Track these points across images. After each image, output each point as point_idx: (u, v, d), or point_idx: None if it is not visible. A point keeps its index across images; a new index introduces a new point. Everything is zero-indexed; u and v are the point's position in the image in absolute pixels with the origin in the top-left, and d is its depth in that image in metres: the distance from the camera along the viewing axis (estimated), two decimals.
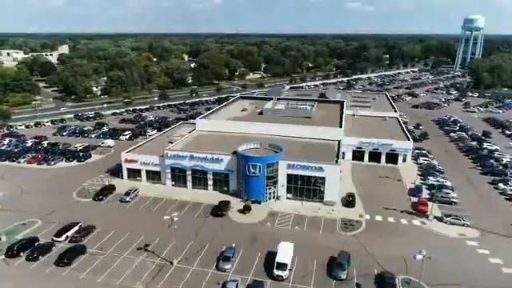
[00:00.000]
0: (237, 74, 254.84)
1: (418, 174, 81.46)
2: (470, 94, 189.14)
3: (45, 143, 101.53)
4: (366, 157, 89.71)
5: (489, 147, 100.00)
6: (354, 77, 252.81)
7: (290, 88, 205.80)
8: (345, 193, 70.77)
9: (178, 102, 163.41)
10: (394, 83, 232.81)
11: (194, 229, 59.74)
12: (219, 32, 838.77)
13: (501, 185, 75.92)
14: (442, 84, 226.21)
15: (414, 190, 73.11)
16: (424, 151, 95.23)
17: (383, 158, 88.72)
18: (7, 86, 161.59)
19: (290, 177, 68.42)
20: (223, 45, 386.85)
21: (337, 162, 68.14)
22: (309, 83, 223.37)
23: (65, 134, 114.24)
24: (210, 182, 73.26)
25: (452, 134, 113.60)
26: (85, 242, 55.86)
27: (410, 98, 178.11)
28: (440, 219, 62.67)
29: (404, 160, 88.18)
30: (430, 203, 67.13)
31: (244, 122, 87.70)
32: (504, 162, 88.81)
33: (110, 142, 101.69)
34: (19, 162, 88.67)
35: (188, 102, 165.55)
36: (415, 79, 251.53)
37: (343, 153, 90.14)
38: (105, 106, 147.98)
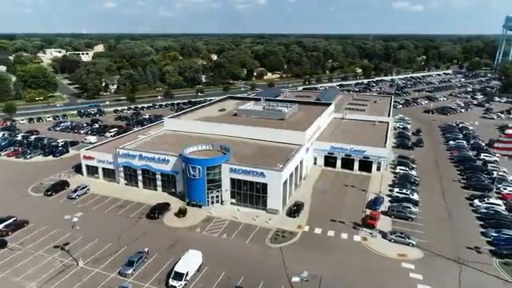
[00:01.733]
0: (255, 74, 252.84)
1: (389, 185, 75.14)
2: (498, 98, 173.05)
3: (32, 137, 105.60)
4: (339, 163, 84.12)
5: (487, 158, 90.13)
6: (377, 78, 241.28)
7: (303, 89, 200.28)
8: (294, 201, 66.70)
9: (181, 101, 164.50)
10: (418, 86, 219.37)
11: (121, 230, 58.69)
12: (264, 33, 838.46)
13: (476, 201, 67.71)
14: (471, 88, 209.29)
15: (372, 201, 67.19)
16: (407, 160, 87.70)
17: (356, 165, 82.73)
18: (26, 83, 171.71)
19: (233, 181, 65.43)
20: (254, 45, 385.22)
21: (283, 167, 63.91)
22: (324, 84, 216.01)
23: (58, 129, 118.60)
24: (159, 183, 72.04)
25: (451, 143, 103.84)
26: (11, 236, 56.76)
27: (426, 101, 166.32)
28: (384, 236, 56.85)
29: (378, 168, 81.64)
30: (385, 217, 61.87)
31: (210, 123, 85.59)
32: (494, 175, 79.38)
33: (92, 138, 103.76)
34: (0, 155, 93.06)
35: (193, 100, 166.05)
36: (443, 82, 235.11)
37: (315, 158, 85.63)
38: (107, 102, 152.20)
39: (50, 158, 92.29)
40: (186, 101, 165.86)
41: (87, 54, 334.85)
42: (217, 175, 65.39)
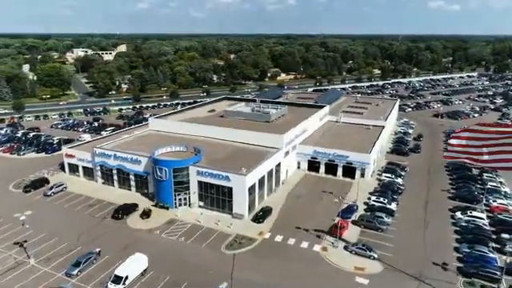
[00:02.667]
0: (269, 75, 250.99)
1: (370, 193, 71.74)
2: None
3: (31, 135, 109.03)
4: (323, 168, 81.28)
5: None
6: (393, 80, 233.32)
7: (313, 90, 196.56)
8: (262, 206, 64.89)
9: (187, 101, 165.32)
10: (436, 88, 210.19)
11: (83, 229, 58.98)
12: (293, 33, 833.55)
13: (458, 214, 63.28)
14: (492, 91, 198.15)
15: (344, 210, 64.22)
16: (396, 167, 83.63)
17: (340, 170, 79.65)
18: (41, 81, 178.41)
19: (201, 184, 64.39)
20: (275, 45, 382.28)
21: (247, 172, 62.06)
22: (336, 86, 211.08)
23: (59, 127, 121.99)
24: (133, 183, 72.10)
25: None
26: None
27: (439, 105, 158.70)
28: (347, 247, 54.04)
29: (362, 175, 78.16)
30: (355, 227, 59.14)
31: (191, 124, 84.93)
32: (488, 186, 74.12)
33: (86, 136, 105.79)
34: None
35: (198, 100, 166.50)
36: (464, 85, 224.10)
37: (298, 162, 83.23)
38: (112, 101, 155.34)
39: (43, 154, 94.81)
40: (191, 101, 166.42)
41: (110, 53, 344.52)
42: (184, 177, 64.60)
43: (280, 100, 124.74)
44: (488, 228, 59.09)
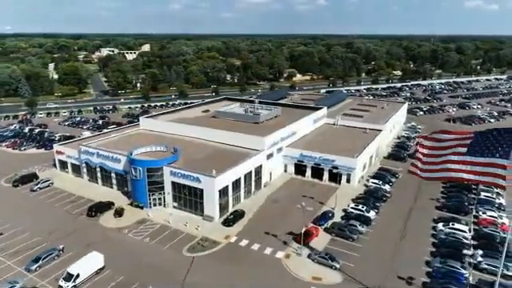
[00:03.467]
0: (285, 75, 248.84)
1: (353, 199, 69.15)
2: None
3: (36, 131, 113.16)
4: (309, 172, 79.22)
5: None
6: (412, 82, 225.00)
7: (326, 92, 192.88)
8: (235, 209, 63.98)
9: (195, 101, 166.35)
10: (456, 91, 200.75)
11: (57, 225, 60.23)
12: (323, 33, 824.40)
13: (439, 225, 59.72)
14: None
15: (319, 216, 62.15)
16: (386, 173, 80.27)
17: (326, 175, 77.33)
18: (59, 80, 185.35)
19: (174, 185, 64.27)
20: (297, 45, 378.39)
21: (217, 174, 61.23)
22: (351, 87, 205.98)
23: (66, 124, 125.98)
24: (114, 181, 73.06)
25: None
26: None
27: (455, 109, 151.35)
28: (310, 255, 52.15)
29: (348, 180, 75.50)
30: (327, 235, 57.27)
31: (179, 124, 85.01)
32: (481, 196, 69.68)
33: (87, 133, 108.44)
34: (0, 145, 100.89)
35: (206, 100, 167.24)
36: (488, 88, 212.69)
37: (285, 165, 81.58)
38: (122, 100, 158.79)
39: (42, 150, 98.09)
40: (199, 100, 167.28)
41: (134, 53, 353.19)
42: (158, 177, 64.71)
43: (282, 101, 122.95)
44: (468, 242, 55.33)
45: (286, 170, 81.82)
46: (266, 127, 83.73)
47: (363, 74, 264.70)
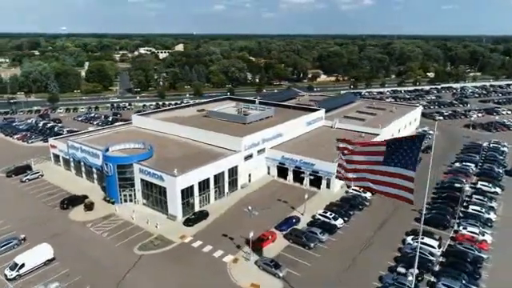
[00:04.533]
0: (309, 75, 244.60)
1: (327, 206, 66.16)
2: None
3: (48, 125, 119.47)
4: (291, 175, 76.95)
5: (484, 188, 72.98)
6: (443, 85, 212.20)
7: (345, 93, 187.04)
8: (202, 209, 63.52)
9: (207, 99, 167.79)
10: (490, 95, 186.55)
11: (29, 215, 62.91)
12: (371, 34, 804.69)
13: (409, 238, 55.50)
14: None
15: (283, 221, 60.03)
16: None
17: (306, 179, 74.68)
18: (86, 77, 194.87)
19: (143, 182, 64.95)
20: (330, 46, 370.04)
21: (179, 173, 60.91)
22: (374, 89, 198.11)
23: (80, 119, 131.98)
24: (95, 176, 75.21)
25: (456, 165, 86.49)
26: None
27: (481, 114, 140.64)
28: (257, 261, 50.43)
29: (328, 185, 72.40)
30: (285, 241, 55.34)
31: (166, 123, 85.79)
32: (469, 209, 63.98)
33: (91, 129, 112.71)
34: (12, 137, 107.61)
35: (210, 99, 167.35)
36: None
37: (268, 167, 79.90)
38: (137, 97, 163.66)
39: (47, 144, 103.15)
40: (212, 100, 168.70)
41: (166, 52, 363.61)
42: (129, 174, 65.70)
43: (288, 102, 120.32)
44: (434, 258, 50.88)
45: (269, 173, 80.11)
46: (252, 128, 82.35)
47: (393, 76, 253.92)
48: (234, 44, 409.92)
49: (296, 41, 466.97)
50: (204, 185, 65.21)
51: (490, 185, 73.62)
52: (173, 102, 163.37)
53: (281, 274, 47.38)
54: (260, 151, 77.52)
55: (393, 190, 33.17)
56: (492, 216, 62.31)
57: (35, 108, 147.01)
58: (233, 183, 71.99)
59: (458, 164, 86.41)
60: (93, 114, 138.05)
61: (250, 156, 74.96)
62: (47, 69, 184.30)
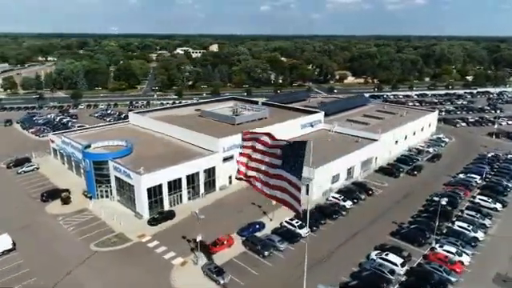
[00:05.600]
0: (337, 77, 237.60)
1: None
2: None
3: (64, 120, 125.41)
4: None
5: (482, 202, 66.28)
6: (480, 89, 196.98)
7: (370, 96, 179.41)
8: (164, 210, 63.14)
9: (220, 98, 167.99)
10: None
11: (10, 205, 66.05)
12: (417, 34, 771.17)
13: (373, 254, 51.41)
14: None
15: (245, 226, 58.08)
16: (355, 187, 71.83)
17: None
18: (114, 75, 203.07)
19: (117, 179, 65.80)
20: (368, 47, 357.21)
21: (145, 172, 60.76)
22: (400, 92, 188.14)
23: (96, 115, 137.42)
24: (82, 171, 77.39)
25: (460, 176, 79.36)
26: None
27: (511, 122, 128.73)
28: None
29: (307, 192, 69.11)
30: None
31: (156, 121, 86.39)
32: (454, 226, 58.23)
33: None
34: (28, 131, 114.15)
35: (214, 99, 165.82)
36: None
37: None
38: (155, 96, 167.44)
39: None
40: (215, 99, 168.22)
41: (199, 52, 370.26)
42: (106, 171, 66.86)
43: (294, 104, 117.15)
44: (393, 277, 46.60)
45: None
46: (241, 128, 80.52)
47: (427, 79, 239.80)
48: (270, 44, 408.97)
49: (335, 41, 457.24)
50: (175, 185, 64.83)
51: (490, 200, 66.69)
52: (189, 101, 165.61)
53: (222, 282, 45.69)
54: None
55: (286, 196, 30.64)
56: (480, 235, 56.19)
57: (54, 103, 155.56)
58: (210, 184, 71.05)
59: (462, 175, 79.25)
60: (109, 111, 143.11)
61: (231, 157, 73.52)
62: (78, 67, 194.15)
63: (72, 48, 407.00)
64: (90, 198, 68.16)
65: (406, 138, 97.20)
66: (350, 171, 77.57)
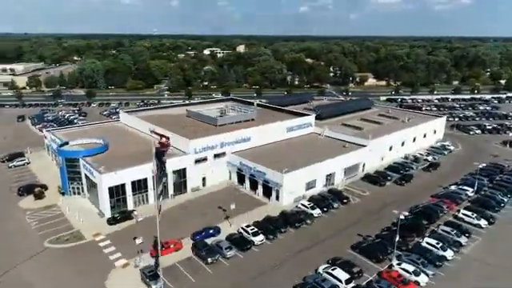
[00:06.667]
0: (357, 79, 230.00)
1: (255, 221, 60.88)
2: None
3: (71, 117, 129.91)
4: (248, 183, 72.65)
5: (466, 218, 60.78)
6: (510, 94, 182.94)
7: (386, 100, 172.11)
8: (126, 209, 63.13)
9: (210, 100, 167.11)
10: None
11: None
12: (467, 36, 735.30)
13: (321, 268, 48.22)
14: None
15: (199, 231, 56.63)
16: (333, 196, 68.18)
17: (260, 188, 69.83)
18: (132, 75, 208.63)
19: (87, 177, 66.62)
20: (399, 48, 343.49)
21: (105, 170, 60.86)
22: (420, 96, 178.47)
23: (104, 113, 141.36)
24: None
25: (451, 187, 73.33)
26: None
27: None
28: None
29: (277, 197, 66.68)
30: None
31: (141, 121, 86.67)
32: (423, 243, 53.60)
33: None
34: (35, 127, 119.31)
35: (212, 99, 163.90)
36: None
37: (230, 172, 76.57)
38: (165, 95, 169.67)
39: None
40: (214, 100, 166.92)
41: (223, 53, 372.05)
42: (77, 168, 67.94)
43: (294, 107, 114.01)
44: None
45: (230, 178, 76.66)
46: (222, 130, 79.47)
47: (455, 82, 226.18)
48: (299, 45, 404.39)
49: (367, 43, 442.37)
50: (140, 185, 64.63)
51: (474, 215, 60.96)
52: (197, 101, 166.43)
53: (153, 286, 44.57)
54: (218, 155, 74.48)
55: None
56: (449, 254, 51.30)
57: (62, 101, 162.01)
58: (181, 185, 70.30)
59: (453, 187, 73.30)
60: (117, 110, 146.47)
61: (204, 159, 72.41)
62: (98, 66, 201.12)
63: (108, 48, 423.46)
64: (63, 194, 69.55)
65: (402, 144, 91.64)
66: (329, 178, 73.99)
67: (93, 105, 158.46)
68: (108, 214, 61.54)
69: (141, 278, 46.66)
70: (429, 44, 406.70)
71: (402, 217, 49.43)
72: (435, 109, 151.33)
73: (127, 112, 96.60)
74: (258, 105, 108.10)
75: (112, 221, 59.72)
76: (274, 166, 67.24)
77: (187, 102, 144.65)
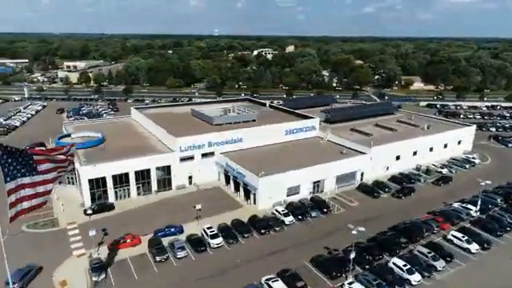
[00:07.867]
0: (402, 82, 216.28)
1: (221, 225, 59.63)
2: None
3: (100, 111, 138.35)
4: (232, 184, 71.68)
5: (456, 240, 54.19)
6: None
7: (426, 105, 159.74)
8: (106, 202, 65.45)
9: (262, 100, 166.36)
10: None
11: None
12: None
13: (264, 278, 45.70)
14: None
15: (163, 228, 56.88)
16: (313, 204, 64.64)
17: (241, 190, 68.52)
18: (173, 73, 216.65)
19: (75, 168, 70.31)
20: (464, 50, 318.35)
21: (86, 163, 63.51)
22: (467, 103, 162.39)
23: None
24: None
25: (454, 205, 65.65)
26: None
27: None
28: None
29: (254, 201, 64.84)
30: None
31: (146, 118, 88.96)
32: (390, 263, 48.55)
33: None
34: (68, 119, 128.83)
35: (229, 99, 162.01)
36: None
37: (218, 172, 76.24)
38: (196, 94, 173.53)
39: None
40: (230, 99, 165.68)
41: (268, 53, 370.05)
42: None
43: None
44: None
45: (219, 178, 76.18)
46: (217, 129, 79.29)
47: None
48: (352, 46, 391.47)
49: (428, 44, 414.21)
50: (122, 179, 66.66)
51: (464, 238, 54.00)
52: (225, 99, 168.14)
53: (94, 279, 45.71)
54: (207, 154, 74.34)
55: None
56: (414, 278, 45.95)
57: (95, 96, 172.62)
58: (165, 182, 71.33)
59: (456, 204, 65.65)
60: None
61: (191, 158, 72.71)
62: (142, 64, 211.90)
63: (166, 48, 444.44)
64: (60, 182, 74.02)
65: (414, 154, 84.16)
66: (317, 185, 70.27)
67: (129, 100, 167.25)
68: (88, 204, 64.35)
69: (91, 280, 47.96)
70: (502, 46, 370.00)
71: (354, 232, 45.27)
72: (479, 117, 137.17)
73: (137, 109, 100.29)
74: (271, 106, 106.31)
75: (88, 211, 62.31)
76: (257, 169, 65.44)
77: (198, 100, 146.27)
